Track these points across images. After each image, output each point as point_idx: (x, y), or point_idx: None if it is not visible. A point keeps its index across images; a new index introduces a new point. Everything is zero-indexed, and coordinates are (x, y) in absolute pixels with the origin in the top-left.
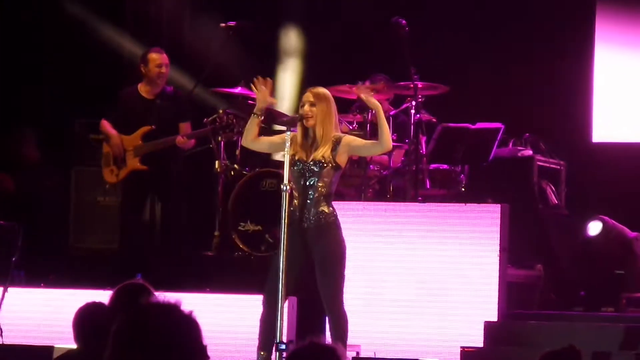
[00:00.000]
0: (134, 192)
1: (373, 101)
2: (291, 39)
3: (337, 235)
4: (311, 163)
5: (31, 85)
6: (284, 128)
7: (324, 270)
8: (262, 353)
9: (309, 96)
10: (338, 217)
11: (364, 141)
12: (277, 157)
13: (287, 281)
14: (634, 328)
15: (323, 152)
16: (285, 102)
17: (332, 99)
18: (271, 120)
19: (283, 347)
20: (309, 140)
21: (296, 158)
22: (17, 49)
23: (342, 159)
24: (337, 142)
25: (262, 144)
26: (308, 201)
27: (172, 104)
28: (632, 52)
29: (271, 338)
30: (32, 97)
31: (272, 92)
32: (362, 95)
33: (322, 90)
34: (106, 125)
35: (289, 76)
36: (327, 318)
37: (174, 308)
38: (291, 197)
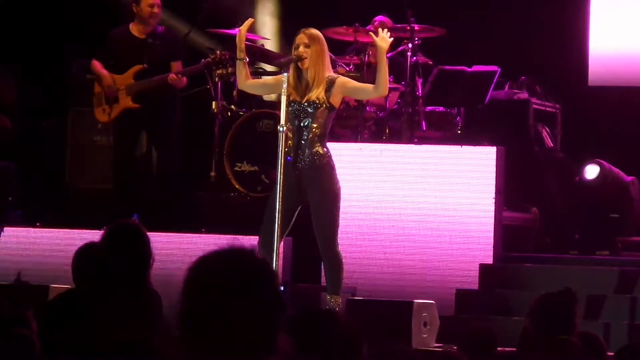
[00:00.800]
0: (126, 131)
1: (385, 44)
2: None
3: (332, 176)
4: (305, 104)
5: (28, 26)
6: (273, 68)
7: (318, 212)
8: None
9: (302, 37)
10: (332, 157)
11: (359, 84)
12: (268, 98)
13: (282, 222)
14: (628, 272)
15: (317, 93)
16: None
17: (324, 40)
18: (267, 61)
19: (281, 289)
20: (302, 82)
21: (290, 99)
22: None
23: (336, 100)
24: (331, 83)
25: (256, 86)
26: (302, 142)
27: (164, 43)
28: None
29: None
30: (29, 38)
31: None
32: (380, 34)
33: (314, 31)
34: (97, 66)
35: (276, 19)
36: (322, 260)
37: (250, 253)
38: (286, 137)
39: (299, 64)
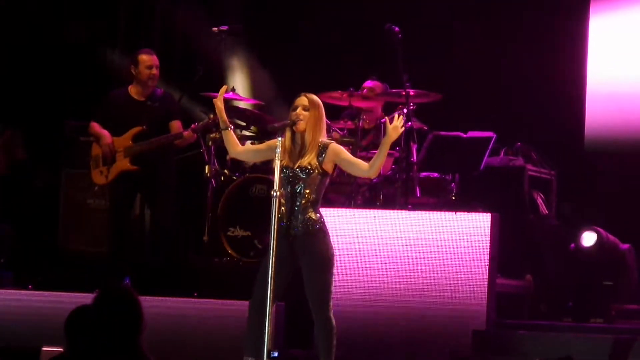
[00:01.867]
0: (123, 193)
1: (396, 134)
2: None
3: (325, 241)
4: (297, 169)
5: (21, 86)
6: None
7: (312, 278)
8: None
9: (303, 100)
10: (326, 223)
11: (353, 158)
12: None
13: (274, 288)
14: (622, 340)
15: (309, 158)
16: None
17: (323, 107)
18: (261, 125)
19: (275, 355)
20: (296, 147)
21: (283, 164)
22: (7, 49)
23: (328, 166)
24: (323, 148)
25: (248, 153)
26: (295, 208)
27: (163, 104)
28: (625, 58)
29: (258, 345)
30: (22, 98)
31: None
32: (395, 122)
33: (315, 96)
34: (96, 127)
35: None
36: (314, 326)
37: None
38: (279, 203)
39: (294, 127)
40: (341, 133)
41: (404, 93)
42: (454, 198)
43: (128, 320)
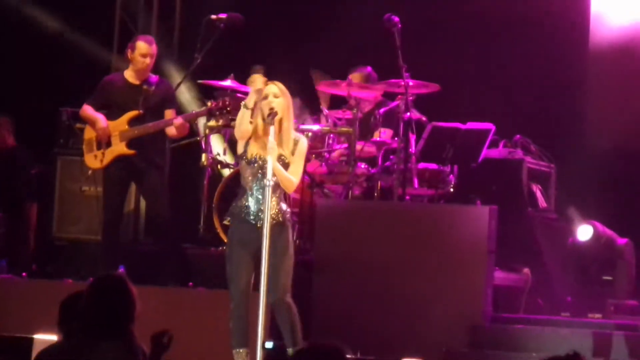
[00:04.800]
0: (117, 179)
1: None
2: None
3: (290, 232)
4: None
5: (16, 73)
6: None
7: (277, 264)
8: (240, 351)
9: (273, 88)
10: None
11: (294, 165)
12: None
13: (248, 277)
14: (620, 335)
15: (283, 149)
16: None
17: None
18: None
19: (270, 345)
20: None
21: (254, 154)
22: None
23: None
24: (295, 142)
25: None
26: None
27: (159, 90)
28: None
29: (245, 335)
30: (17, 84)
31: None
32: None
33: (282, 84)
34: (89, 109)
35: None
36: (276, 313)
37: None
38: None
39: (272, 118)
40: (339, 122)
41: (402, 83)
42: (452, 190)
43: (120, 308)
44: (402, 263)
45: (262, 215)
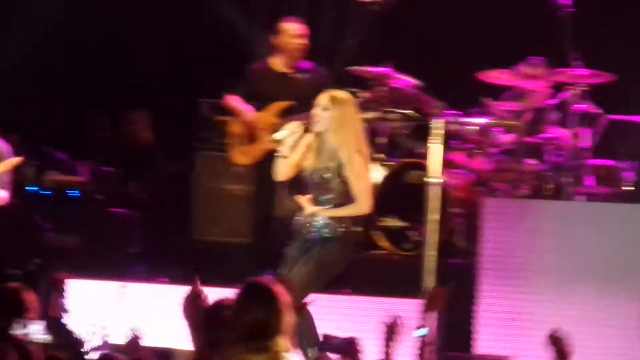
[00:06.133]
0: (268, 177)
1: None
2: None
3: (337, 247)
4: (315, 172)
5: (151, 63)
6: None
7: (302, 265)
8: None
9: (322, 99)
10: (350, 229)
11: (352, 181)
12: None
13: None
14: None
15: (328, 163)
16: None
17: (351, 105)
18: (419, 106)
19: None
20: (320, 148)
21: (305, 165)
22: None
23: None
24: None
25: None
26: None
27: (310, 78)
28: None
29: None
30: (155, 77)
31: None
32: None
33: (340, 94)
34: (236, 100)
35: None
36: None
37: None
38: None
39: (309, 127)
40: (507, 116)
41: (572, 73)
42: (630, 188)
43: (271, 317)
44: (577, 264)
45: (312, 226)
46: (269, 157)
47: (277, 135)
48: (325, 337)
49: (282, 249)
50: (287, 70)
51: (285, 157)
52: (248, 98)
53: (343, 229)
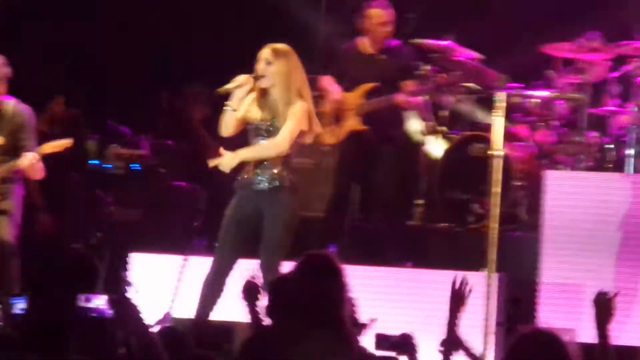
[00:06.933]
0: (350, 155)
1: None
2: None
3: (290, 201)
4: (263, 124)
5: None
6: None
7: (268, 233)
8: None
9: (265, 52)
10: (293, 181)
11: (285, 125)
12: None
13: (236, 245)
14: None
15: (275, 114)
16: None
17: (294, 57)
18: (482, 80)
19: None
20: (266, 101)
21: (251, 117)
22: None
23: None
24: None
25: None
26: (264, 162)
27: (394, 58)
28: None
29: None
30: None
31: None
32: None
33: (282, 47)
34: (327, 81)
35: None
36: None
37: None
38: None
39: (258, 84)
40: (569, 88)
41: (635, 45)
42: None
43: (328, 291)
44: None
45: (259, 178)
46: (352, 136)
47: (225, 88)
48: (378, 336)
49: (352, 224)
50: (373, 51)
51: (234, 110)
52: (339, 78)
53: (290, 178)
